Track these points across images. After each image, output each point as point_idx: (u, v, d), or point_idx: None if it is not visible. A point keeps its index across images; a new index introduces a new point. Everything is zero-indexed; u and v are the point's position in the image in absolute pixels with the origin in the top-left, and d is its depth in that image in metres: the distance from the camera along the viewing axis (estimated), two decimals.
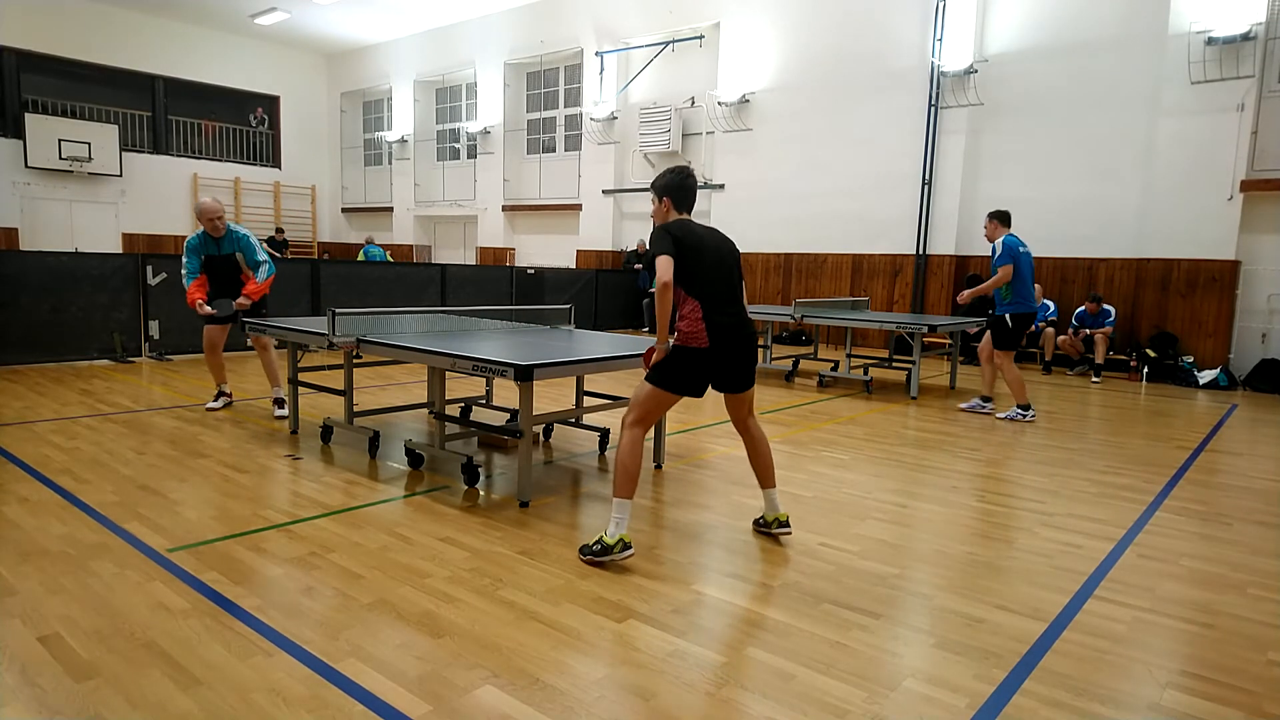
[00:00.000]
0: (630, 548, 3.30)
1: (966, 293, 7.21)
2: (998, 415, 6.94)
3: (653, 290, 3.68)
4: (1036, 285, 7.82)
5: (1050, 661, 2.57)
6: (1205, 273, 9.58)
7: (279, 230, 18.85)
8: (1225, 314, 9.49)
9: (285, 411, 5.95)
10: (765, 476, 3.68)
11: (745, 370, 3.54)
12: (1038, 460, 5.44)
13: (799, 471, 4.90)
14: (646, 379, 3.46)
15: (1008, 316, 6.82)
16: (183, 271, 6.09)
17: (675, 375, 3.40)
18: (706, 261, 3.43)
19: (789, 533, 3.66)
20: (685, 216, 3.57)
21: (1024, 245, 6.83)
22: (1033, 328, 9.61)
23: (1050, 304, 10.34)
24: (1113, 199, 10.28)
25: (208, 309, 6.04)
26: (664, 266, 3.28)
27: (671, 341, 3.41)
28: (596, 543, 3.29)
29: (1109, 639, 2.75)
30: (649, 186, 3.68)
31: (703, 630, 2.73)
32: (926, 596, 3.08)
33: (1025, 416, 6.80)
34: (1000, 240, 6.80)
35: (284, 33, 19.00)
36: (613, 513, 3.31)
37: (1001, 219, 6.90)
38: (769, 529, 3.68)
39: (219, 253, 6.14)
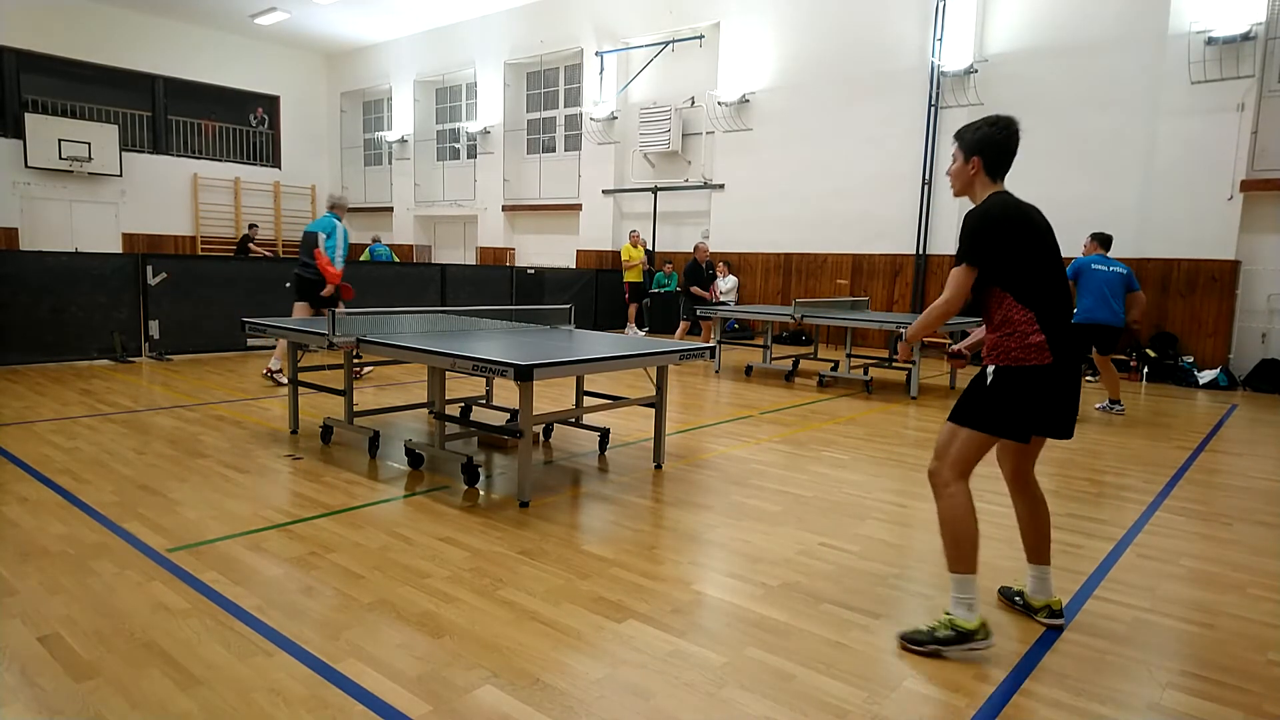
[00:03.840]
0: (990, 636, 2.60)
1: None
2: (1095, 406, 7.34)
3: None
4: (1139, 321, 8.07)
5: (1050, 661, 2.57)
6: (1205, 273, 9.57)
7: (252, 227, 18.72)
8: (1225, 314, 9.49)
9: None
10: (1041, 548, 2.88)
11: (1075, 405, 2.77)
12: (1038, 460, 5.42)
13: (799, 471, 4.90)
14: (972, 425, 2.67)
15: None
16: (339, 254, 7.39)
17: (1019, 409, 2.63)
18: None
19: (1061, 624, 2.84)
20: (1002, 188, 2.80)
21: (1108, 265, 7.14)
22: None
23: None
24: (1113, 199, 10.28)
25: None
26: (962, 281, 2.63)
27: (991, 369, 2.68)
28: (948, 628, 2.59)
29: (1109, 639, 2.75)
30: (955, 137, 2.86)
31: (703, 630, 2.73)
32: (926, 596, 3.08)
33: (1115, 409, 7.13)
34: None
35: (284, 33, 19.00)
36: (954, 591, 2.64)
37: (1101, 241, 7.40)
38: (1034, 614, 2.89)
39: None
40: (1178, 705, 2.35)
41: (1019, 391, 2.62)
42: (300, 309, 7.53)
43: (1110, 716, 2.28)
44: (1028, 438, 2.68)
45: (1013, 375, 2.63)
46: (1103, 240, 7.37)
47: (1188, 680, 2.50)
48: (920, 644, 2.61)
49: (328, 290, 7.39)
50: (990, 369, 2.68)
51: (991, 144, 2.75)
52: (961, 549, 2.65)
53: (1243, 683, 2.49)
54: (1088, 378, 9.44)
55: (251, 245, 16.85)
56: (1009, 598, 3.02)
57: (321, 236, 7.43)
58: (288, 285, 8.06)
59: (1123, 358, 9.87)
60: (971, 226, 2.68)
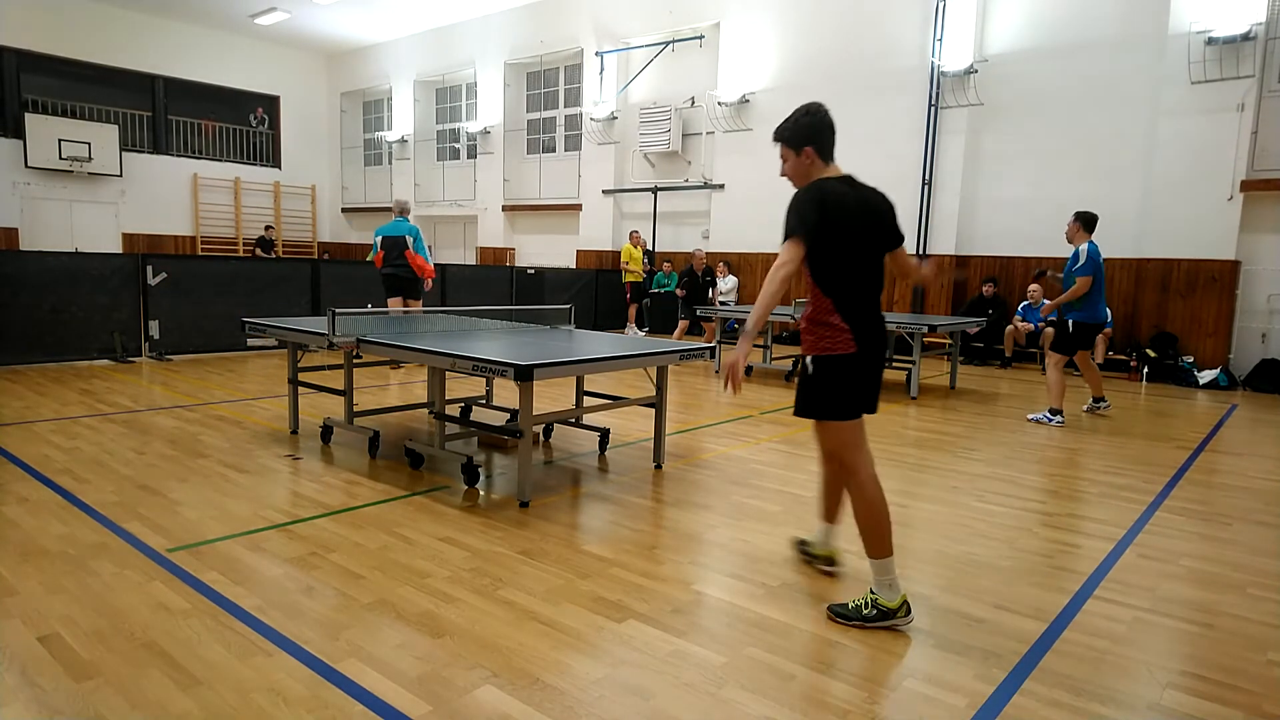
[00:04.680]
0: (910, 614, 2.77)
1: (1048, 304, 7.13)
2: (1028, 417, 6.91)
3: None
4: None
5: (1050, 661, 2.57)
6: (1205, 273, 9.57)
7: (269, 229, 18.89)
8: (1225, 314, 9.49)
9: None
10: (834, 510, 3.19)
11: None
12: (1038, 460, 5.44)
13: (799, 471, 4.90)
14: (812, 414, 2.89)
15: (1070, 323, 6.74)
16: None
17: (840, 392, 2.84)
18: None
19: (835, 571, 3.24)
20: (835, 173, 2.92)
21: (1100, 255, 6.65)
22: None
23: (1107, 310, 10.07)
24: (1113, 199, 10.27)
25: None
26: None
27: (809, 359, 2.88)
28: (872, 607, 2.77)
29: (1109, 639, 2.75)
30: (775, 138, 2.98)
31: (703, 630, 2.73)
32: (926, 596, 3.07)
33: (1053, 420, 6.68)
34: (1084, 247, 6.60)
35: (284, 33, 18.99)
36: (875, 575, 2.81)
37: (1085, 223, 6.67)
38: (814, 559, 3.28)
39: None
40: (1178, 705, 2.35)
41: (836, 379, 2.82)
42: (395, 303, 8.60)
43: (1110, 716, 2.28)
44: (858, 415, 2.86)
45: (826, 363, 2.82)
46: (1089, 222, 6.67)
47: (1188, 680, 2.50)
48: (846, 619, 2.80)
49: (429, 285, 8.81)
50: (809, 359, 2.87)
51: (817, 130, 2.88)
52: (878, 534, 2.81)
53: (1243, 683, 2.49)
54: (1075, 372, 9.41)
55: (259, 250, 16.97)
56: (802, 549, 3.36)
57: (409, 240, 8.54)
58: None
59: (1122, 358, 9.88)
60: (793, 204, 2.80)
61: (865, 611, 2.77)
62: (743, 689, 2.35)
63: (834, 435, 2.89)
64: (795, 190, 2.86)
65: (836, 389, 2.82)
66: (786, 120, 2.95)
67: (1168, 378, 9.45)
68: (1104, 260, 6.86)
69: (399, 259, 8.54)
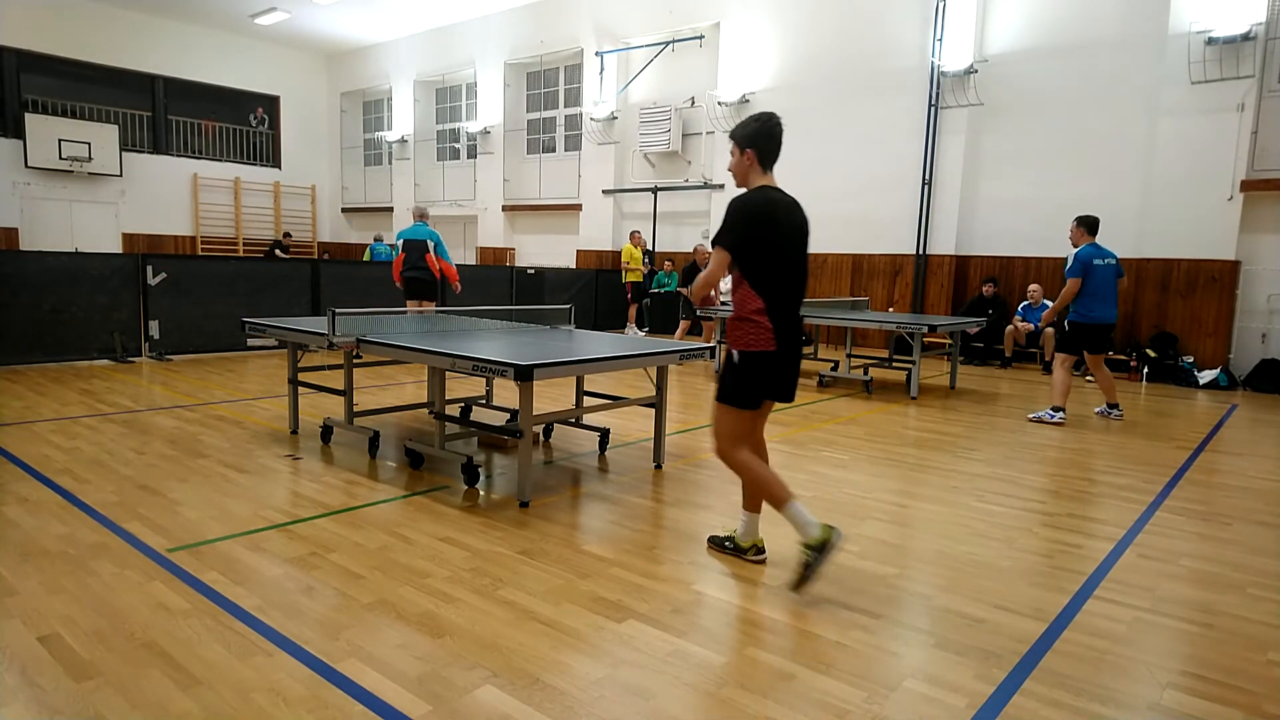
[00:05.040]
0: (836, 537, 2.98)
1: (1045, 313, 7.31)
2: (1028, 416, 6.94)
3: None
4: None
5: (1050, 661, 2.57)
6: (1205, 273, 9.57)
7: (287, 235, 18.96)
8: (1225, 314, 9.49)
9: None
10: (757, 499, 3.34)
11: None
12: (1038, 460, 5.44)
13: (799, 471, 4.90)
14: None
15: (1067, 323, 6.89)
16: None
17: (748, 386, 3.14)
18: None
19: (764, 559, 3.36)
20: (770, 182, 3.16)
21: (1105, 256, 6.71)
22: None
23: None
24: (1113, 199, 10.27)
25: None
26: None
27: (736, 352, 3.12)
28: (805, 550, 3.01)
29: (1109, 639, 2.75)
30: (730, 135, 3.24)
31: (703, 630, 2.73)
32: (926, 596, 3.08)
33: (1054, 417, 6.75)
34: (1078, 250, 6.73)
35: (284, 33, 18.99)
36: (793, 523, 3.08)
37: (1088, 226, 6.78)
38: (743, 554, 3.37)
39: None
40: (1178, 705, 2.35)
41: (752, 373, 3.11)
42: (413, 305, 8.77)
43: (1110, 716, 2.28)
44: (758, 405, 3.20)
45: (748, 359, 3.10)
46: (1091, 225, 6.78)
47: (1188, 680, 2.50)
48: (719, 546, 3.38)
49: (458, 288, 9.17)
50: (735, 353, 3.13)
51: (761, 137, 3.11)
52: (773, 492, 3.07)
53: (1243, 683, 2.49)
54: (1087, 378, 9.43)
55: (277, 253, 17.02)
56: (719, 545, 3.46)
57: (431, 244, 8.85)
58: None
59: (1122, 358, 9.88)
60: (728, 212, 3.07)
61: (727, 545, 3.38)
62: (743, 689, 2.35)
63: (729, 419, 3.19)
64: (734, 195, 3.13)
65: (752, 382, 3.13)
66: (742, 121, 3.20)
67: (1168, 378, 9.45)
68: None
69: (420, 262, 8.81)
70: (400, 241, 8.95)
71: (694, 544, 3.59)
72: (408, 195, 19.45)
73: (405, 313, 5.70)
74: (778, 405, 3.65)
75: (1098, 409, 7.21)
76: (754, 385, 3.13)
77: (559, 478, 4.68)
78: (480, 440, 5.44)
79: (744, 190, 3.13)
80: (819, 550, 2.93)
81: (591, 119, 15.40)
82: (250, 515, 3.78)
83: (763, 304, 3.06)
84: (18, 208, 16.27)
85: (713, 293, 3.34)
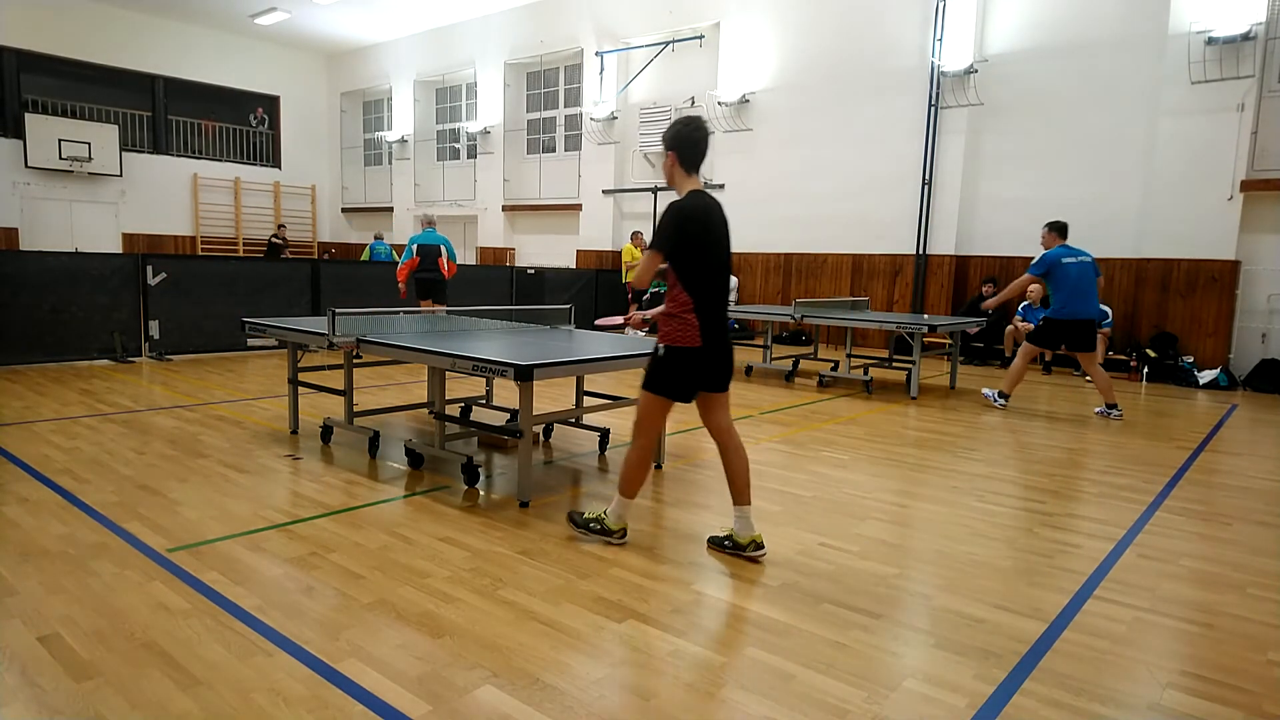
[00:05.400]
0: (625, 538, 3.46)
1: (1036, 289, 7.74)
2: (983, 391, 7.62)
3: (654, 290, 3.73)
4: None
5: (1050, 661, 2.57)
6: (1205, 273, 9.57)
7: (281, 227, 18.87)
8: (1225, 314, 9.49)
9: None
10: (743, 492, 3.40)
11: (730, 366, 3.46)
12: (1038, 460, 5.44)
13: (799, 471, 4.90)
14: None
15: (1042, 319, 7.31)
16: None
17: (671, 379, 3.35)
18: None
19: (763, 554, 3.38)
20: (696, 185, 3.36)
21: (1076, 255, 6.95)
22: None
23: (1108, 310, 9.90)
24: (1113, 199, 10.28)
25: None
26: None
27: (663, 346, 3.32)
28: (599, 522, 3.48)
29: (1109, 639, 2.75)
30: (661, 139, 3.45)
31: (703, 630, 2.73)
32: (926, 596, 3.08)
33: (998, 402, 7.38)
34: (1046, 251, 7.08)
35: (284, 33, 18.99)
36: (614, 506, 3.50)
37: (1058, 230, 7.12)
38: (742, 551, 3.37)
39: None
40: (1178, 705, 2.35)
41: (677, 366, 3.30)
42: (426, 304, 9.49)
43: (1110, 716, 2.28)
44: (689, 398, 3.36)
45: (674, 353, 3.29)
46: (1061, 229, 7.10)
47: (1188, 680, 2.50)
48: (577, 526, 3.53)
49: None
50: (662, 346, 3.32)
51: (682, 140, 3.30)
52: (631, 482, 3.42)
53: (1243, 683, 2.49)
54: (1087, 379, 9.43)
55: (276, 241, 17.03)
56: (719, 545, 3.46)
57: (443, 249, 9.61)
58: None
59: (1122, 358, 9.88)
60: (664, 217, 3.27)
61: (593, 525, 3.49)
62: (743, 689, 2.35)
63: (651, 406, 3.38)
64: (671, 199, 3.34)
65: (676, 375, 3.31)
66: (671, 123, 3.40)
67: (1168, 378, 9.45)
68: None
69: (433, 265, 9.52)
70: (415, 246, 9.56)
71: (694, 544, 3.59)
72: (408, 195, 19.46)
73: (415, 312, 5.98)
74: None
75: (1097, 409, 7.21)
76: (681, 378, 3.31)
77: (559, 478, 4.68)
78: (480, 440, 5.44)
79: (678, 195, 3.32)
80: (605, 533, 3.46)
81: (591, 119, 15.40)
82: (250, 515, 3.78)
83: (691, 302, 3.25)
84: (18, 208, 16.27)
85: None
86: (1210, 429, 6.74)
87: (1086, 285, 6.93)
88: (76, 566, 3.09)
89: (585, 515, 3.56)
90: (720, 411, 3.45)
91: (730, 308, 11.71)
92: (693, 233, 3.24)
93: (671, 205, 3.28)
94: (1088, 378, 8.52)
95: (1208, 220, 9.48)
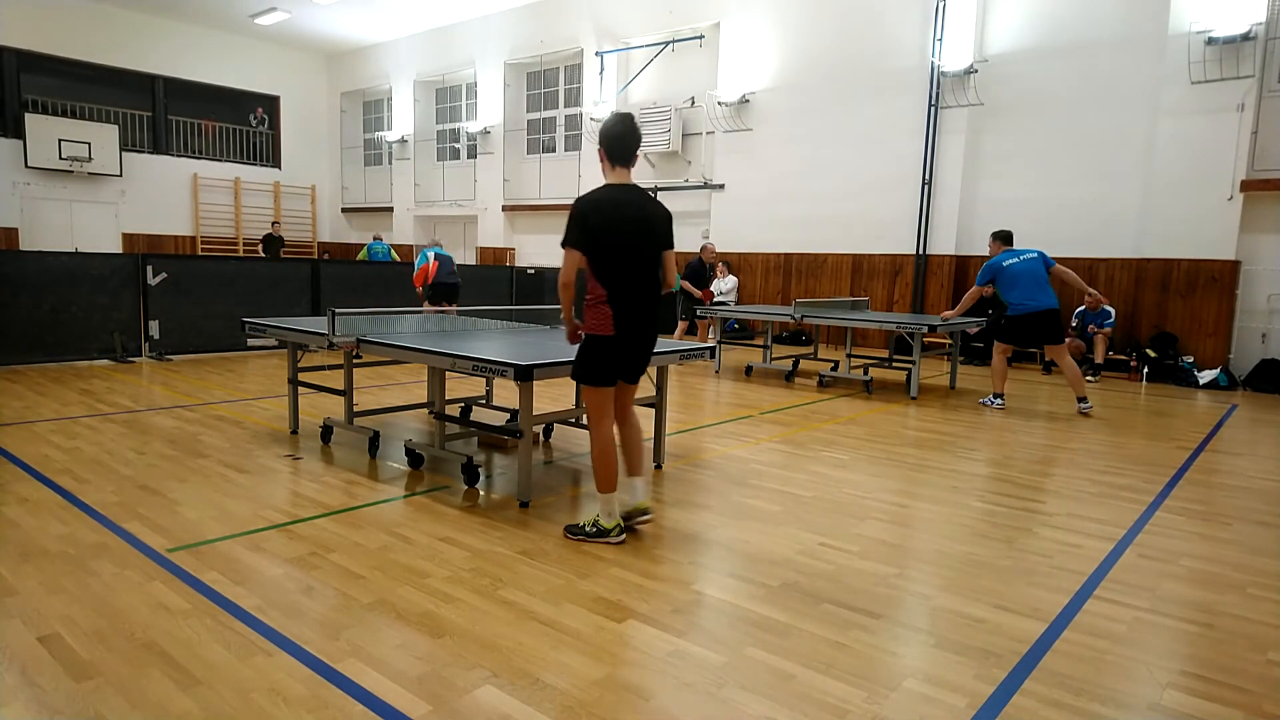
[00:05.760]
0: (623, 535, 3.52)
1: (948, 312, 8.15)
2: (980, 400, 7.68)
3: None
4: (1093, 291, 8.31)
5: (1050, 661, 2.57)
6: (1205, 273, 9.57)
7: (275, 225, 18.83)
8: (1225, 314, 9.49)
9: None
10: (635, 464, 3.68)
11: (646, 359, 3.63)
12: (1038, 460, 5.44)
13: (799, 471, 4.90)
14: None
15: (1003, 318, 7.55)
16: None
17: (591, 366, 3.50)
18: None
19: (649, 519, 3.68)
20: (620, 178, 3.49)
21: (1019, 255, 7.23)
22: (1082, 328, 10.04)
23: (1111, 310, 9.93)
24: (1113, 199, 10.28)
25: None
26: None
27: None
28: (594, 526, 3.52)
29: (1109, 639, 2.75)
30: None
31: (703, 630, 2.73)
32: (926, 596, 3.08)
33: (994, 403, 7.51)
34: (990, 259, 7.43)
35: (284, 33, 18.99)
36: (601, 506, 3.56)
37: (1002, 238, 7.48)
38: (631, 519, 3.64)
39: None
40: (1178, 705, 2.35)
41: (595, 354, 3.44)
42: (446, 305, 10.27)
43: (1110, 716, 2.28)
44: (611, 383, 3.51)
45: (591, 341, 3.45)
46: (1005, 237, 7.44)
47: (1188, 680, 2.50)
48: (576, 536, 3.51)
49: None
50: (584, 335, 3.50)
51: (604, 134, 3.45)
52: (604, 476, 3.48)
53: (1243, 683, 2.49)
54: (1089, 376, 9.43)
55: (275, 238, 17.04)
56: (579, 531, 3.59)
57: (452, 259, 10.71)
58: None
59: (1122, 358, 9.88)
60: (570, 212, 3.39)
61: (589, 529, 3.51)
62: (743, 689, 2.35)
63: (588, 397, 3.55)
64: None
65: (595, 361, 3.44)
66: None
67: (1168, 378, 9.45)
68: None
69: (454, 272, 10.54)
70: (431, 254, 10.46)
71: (694, 544, 3.59)
72: (408, 195, 19.46)
73: (417, 312, 6.25)
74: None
75: (1080, 407, 7.26)
76: (598, 365, 3.44)
77: (559, 478, 4.68)
78: (480, 440, 5.44)
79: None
80: (601, 534, 3.46)
81: (591, 119, 15.40)
82: (250, 515, 3.78)
83: (604, 293, 3.39)
84: (18, 208, 16.27)
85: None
86: (1210, 429, 6.74)
87: (1034, 279, 7.14)
88: (76, 566, 3.09)
89: (580, 524, 3.59)
90: (625, 396, 3.67)
91: (730, 307, 11.80)
92: (595, 225, 3.34)
93: (576, 200, 3.41)
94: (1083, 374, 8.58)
95: (1208, 220, 9.49)
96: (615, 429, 3.65)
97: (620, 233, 3.39)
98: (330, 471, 4.61)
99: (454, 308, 10.23)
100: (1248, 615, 2.99)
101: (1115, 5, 10.15)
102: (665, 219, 3.57)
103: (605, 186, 3.45)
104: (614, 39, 15.24)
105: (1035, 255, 7.22)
